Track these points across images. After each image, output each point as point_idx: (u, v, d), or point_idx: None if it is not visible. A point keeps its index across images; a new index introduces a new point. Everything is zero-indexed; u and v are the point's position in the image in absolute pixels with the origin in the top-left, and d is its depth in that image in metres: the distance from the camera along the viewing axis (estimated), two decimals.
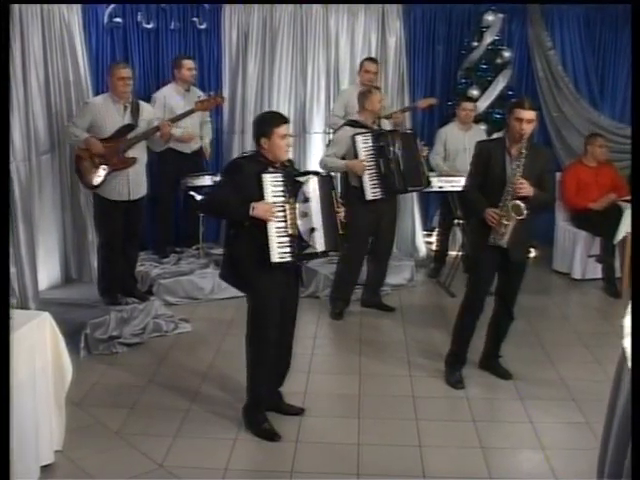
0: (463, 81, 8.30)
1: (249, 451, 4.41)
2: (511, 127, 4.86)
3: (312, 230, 4.40)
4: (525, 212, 4.74)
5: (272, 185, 4.28)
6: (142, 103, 6.19)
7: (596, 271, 7.54)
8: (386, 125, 6.58)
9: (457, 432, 4.62)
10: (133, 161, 5.93)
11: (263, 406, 4.61)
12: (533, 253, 8.48)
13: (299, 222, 4.36)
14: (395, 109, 7.64)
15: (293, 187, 4.37)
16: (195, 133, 7.17)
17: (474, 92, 8.10)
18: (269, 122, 4.34)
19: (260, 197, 4.24)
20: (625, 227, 7.00)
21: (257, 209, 4.20)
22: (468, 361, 5.41)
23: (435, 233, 8.27)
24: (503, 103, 8.13)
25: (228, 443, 4.43)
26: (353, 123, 6.36)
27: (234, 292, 6.79)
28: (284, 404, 4.81)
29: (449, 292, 7.20)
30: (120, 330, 5.86)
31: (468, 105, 7.45)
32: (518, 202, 4.75)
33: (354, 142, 6.19)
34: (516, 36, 8.73)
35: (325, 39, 7.94)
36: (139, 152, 6.03)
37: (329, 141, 7.28)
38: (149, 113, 6.16)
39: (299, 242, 4.36)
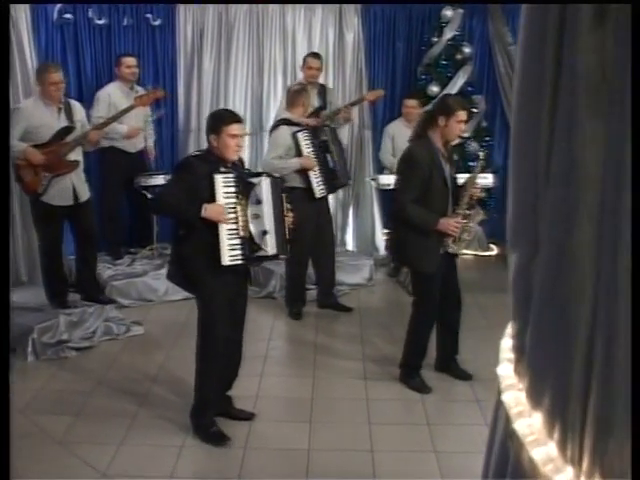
0: (423, 77, 8.21)
1: (196, 457, 4.30)
2: (450, 129, 4.72)
3: (264, 233, 4.30)
4: (482, 212, 4.67)
5: (224, 186, 4.18)
6: (73, 103, 6.03)
7: None
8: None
9: (410, 436, 4.53)
10: (76, 164, 5.78)
11: (211, 409, 4.49)
12: (495, 251, 8.48)
13: (251, 224, 4.26)
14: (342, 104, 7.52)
15: (245, 188, 4.27)
16: (140, 131, 6.99)
17: (434, 88, 8.02)
18: (220, 120, 4.24)
19: (211, 198, 4.14)
20: None
21: (209, 210, 4.09)
22: (424, 364, 5.31)
23: None
24: (463, 100, 8.06)
25: (174, 450, 4.31)
26: (287, 121, 6.21)
27: (188, 294, 6.83)
28: (234, 409, 4.70)
29: (409, 291, 7.09)
30: (69, 334, 5.71)
31: (410, 102, 7.38)
32: (477, 205, 4.71)
33: (296, 140, 6.09)
34: (477, 32, 8.65)
35: (282, 35, 7.83)
36: (79, 154, 5.87)
37: None
38: (81, 113, 6.01)
39: (250, 244, 4.26)
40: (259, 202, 4.30)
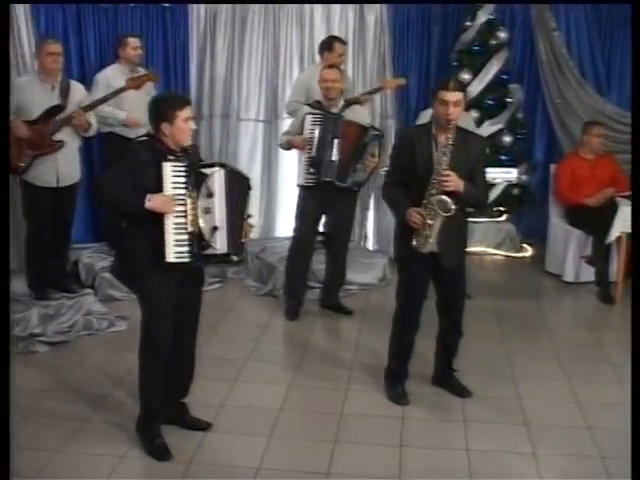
0: (455, 64, 7.66)
1: (132, 471, 3.91)
2: (437, 112, 4.23)
3: (214, 229, 3.85)
4: (452, 208, 4.09)
5: (173, 175, 3.76)
6: (73, 83, 5.73)
7: (590, 274, 6.79)
8: (354, 112, 5.90)
9: (377, 457, 4.04)
10: (60, 145, 5.48)
11: (157, 419, 4.09)
12: (529, 252, 7.88)
13: (200, 219, 3.84)
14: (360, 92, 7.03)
15: (197, 179, 3.84)
16: (142, 118, 6.62)
17: (465, 76, 7.47)
18: (171, 105, 3.82)
19: (157, 188, 3.74)
20: (620, 225, 6.28)
21: (154, 201, 3.69)
22: (421, 375, 4.86)
23: None
24: (497, 88, 7.50)
25: (113, 460, 3.94)
26: (314, 103, 5.84)
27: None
28: (189, 417, 4.30)
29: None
30: (43, 327, 5.40)
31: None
32: (443, 197, 4.10)
33: (303, 120, 5.73)
34: (518, 16, 8.02)
35: (299, 17, 7.38)
36: (68, 136, 5.56)
37: None
38: (80, 94, 5.69)
39: (199, 241, 3.84)
40: (211, 195, 3.86)
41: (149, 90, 6.65)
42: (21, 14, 6.18)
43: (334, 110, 5.72)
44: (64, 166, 5.56)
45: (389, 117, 7.56)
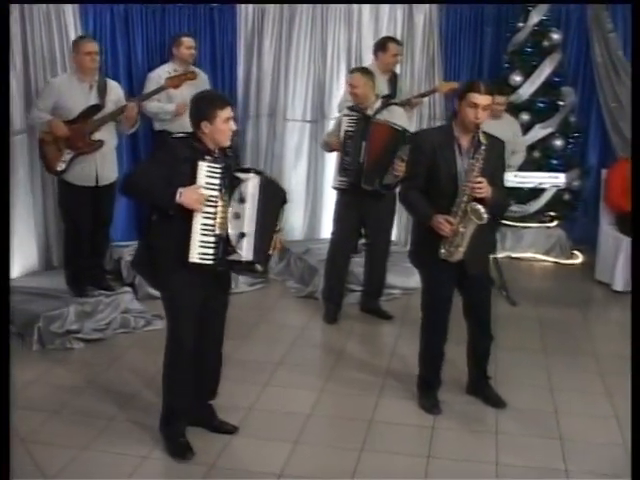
0: (506, 66, 7.49)
1: (153, 472, 3.90)
2: (464, 114, 4.08)
3: (242, 235, 3.79)
4: (486, 217, 3.95)
5: (207, 175, 3.72)
6: (110, 82, 5.72)
7: None
8: (391, 114, 5.80)
9: (402, 467, 3.94)
10: (100, 144, 5.48)
11: (180, 419, 4.07)
12: (579, 259, 7.66)
13: (229, 223, 3.78)
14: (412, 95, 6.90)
15: (230, 183, 3.79)
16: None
17: (516, 78, 7.32)
18: (212, 104, 3.79)
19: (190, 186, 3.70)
20: None
21: (185, 196, 3.64)
22: (456, 383, 4.75)
23: None
24: (549, 91, 7.31)
25: (136, 461, 3.93)
26: (355, 105, 5.74)
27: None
28: (216, 420, 4.26)
29: None
30: (80, 324, 5.46)
31: (497, 98, 6.51)
32: (477, 205, 3.97)
33: (339, 122, 5.71)
34: (574, 16, 7.80)
35: (347, 17, 7.28)
36: (107, 135, 5.57)
37: None
38: (117, 93, 5.67)
39: (224, 245, 3.78)
40: (243, 201, 3.80)
41: (202, 87, 6.66)
42: (69, 14, 6.21)
43: (369, 112, 5.64)
44: (103, 165, 5.57)
45: (437, 119, 7.42)
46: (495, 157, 4.15)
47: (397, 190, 5.70)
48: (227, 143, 3.84)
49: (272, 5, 7.15)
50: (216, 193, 3.74)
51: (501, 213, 4.66)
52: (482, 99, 4.02)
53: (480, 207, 3.96)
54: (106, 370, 5.03)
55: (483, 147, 3.98)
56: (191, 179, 3.70)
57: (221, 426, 4.24)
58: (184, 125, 6.35)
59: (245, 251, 3.80)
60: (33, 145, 5.91)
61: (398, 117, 5.74)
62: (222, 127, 3.76)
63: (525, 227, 7.54)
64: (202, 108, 3.80)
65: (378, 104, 5.69)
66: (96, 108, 5.50)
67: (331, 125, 6.78)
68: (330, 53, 7.34)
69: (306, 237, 7.59)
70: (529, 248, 7.63)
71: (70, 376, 4.94)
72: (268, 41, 7.22)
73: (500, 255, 7.43)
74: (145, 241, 3.98)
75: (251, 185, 3.82)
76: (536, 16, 7.31)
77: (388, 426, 4.36)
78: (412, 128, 7.10)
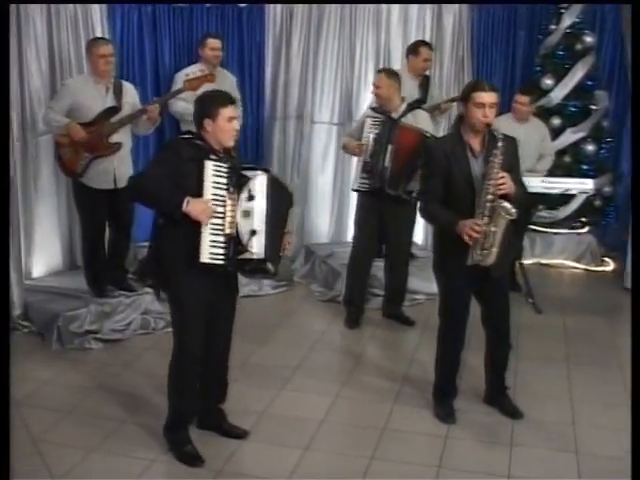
0: (538, 69, 7.36)
1: (162, 475, 3.88)
2: (471, 116, 4.00)
3: (252, 233, 3.75)
4: (514, 211, 3.87)
5: (214, 175, 3.69)
6: (125, 84, 5.70)
7: None
8: (416, 118, 5.72)
9: (412, 477, 3.87)
10: (118, 147, 5.48)
11: (185, 425, 4.05)
12: (610, 266, 7.50)
13: (239, 222, 3.75)
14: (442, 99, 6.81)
15: (238, 181, 3.76)
16: None
17: (548, 81, 7.20)
18: (215, 102, 3.77)
19: (198, 187, 3.66)
20: None
21: (192, 206, 3.59)
22: (473, 392, 4.67)
23: None
24: (581, 94, 7.17)
25: (144, 464, 3.92)
26: (378, 107, 5.70)
27: (249, 291, 6.46)
28: (226, 424, 4.24)
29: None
30: (100, 324, 5.47)
31: (521, 98, 6.43)
32: (504, 202, 3.89)
33: (363, 123, 5.64)
34: (608, 19, 7.64)
35: (375, 18, 7.22)
36: (124, 137, 5.57)
37: None
38: (133, 95, 5.65)
39: (235, 245, 3.74)
40: (252, 198, 3.77)
41: (230, 89, 6.61)
42: (96, 14, 6.23)
43: (394, 115, 5.57)
44: (120, 167, 5.55)
45: None
46: (510, 155, 4.07)
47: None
48: (231, 143, 3.81)
49: (300, 7, 7.11)
50: (224, 192, 3.71)
51: (526, 210, 4.53)
52: (488, 97, 3.96)
53: (507, 203, 3.88)
54: (122, 372, 5.04)
55: (500, 143, 3.90)
56: (198, 179, 3.66)
57: (231, 430, 4.22)
58: None
59: (256, 249, 3.76)
60: None
61: (423, 122, 5.68)
62: (225, 126, 3.73)
63: (555, 233, 7.41)
64: (205, 106, 3.78)
65: (403, 107, 5.62)
66: (113, 110, 5.48)
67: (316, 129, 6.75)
68: (358, 55, 7.29)
69: (332, 240, 7.55)
70: (559, 255, 7.50)
71: (85, 377, 4.96)
72: (296, 43, 7.18)
73: (529, 261, 7.36)
74: (153, 245, 3.94)
75: (259, 182, 3.80)
76: (569, 18, 7.19)
77: (401, 434, 4.30)
78: (440, 134, 7.07)
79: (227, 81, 6.59)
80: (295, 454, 4.04)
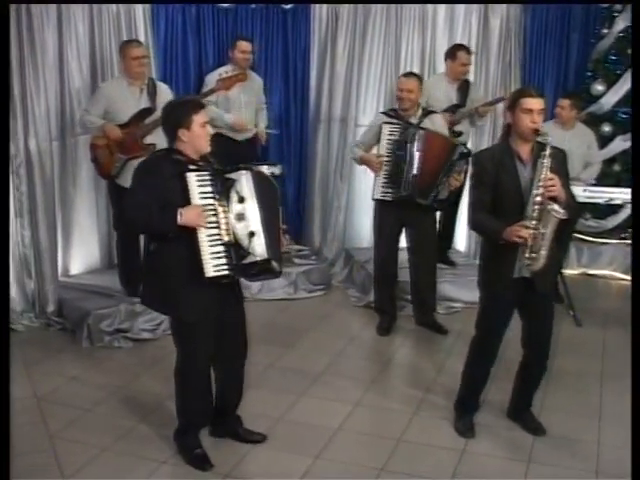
0: (589, 74, 7.15)
1: (168, 477, 3.89)
2: (519, 123, 3.88)
3: (251, 234, 3.68)
4: (563, 211, 3.75)
5: (198, 185, 3.62)
6: (160, 84, 5.75)
7: None
8: (433, 123, 5.64)
9: None
10: (152, 148, 5.46)
11: (194, 431, 4.04)
12: None
13: (235, 226, 3.67)
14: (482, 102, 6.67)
15: (223, 186, 3.68)
16: (249, 122, 6.57)
17: (598, 87, 6.99)
18: (187, 110, 3.68)
19: (185, 201, 3.59)
20: None
21: (186, 215, 3.54)
22: (499, 404, 4.54)
23: None
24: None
25: (152, 465, 3.95)
26: (390, 111, 5.63)
27: (285, 294, 6.44)
28: (242, 430, 4.21)
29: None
30: (130, 324, 5.53)
31: (562, 102, 6.25)
32: (553, 204, 3.77)
33: (380, 130, 5.49)
34: None
35: (421, 20, 7.11)
36: (158, 138, 5.59)
37: None
38: (167, 95, 5.64)
39: (237, 250, 3.67)
40: (242, 200, 3.68)
41: (257, 91, 6.66)
42: (139, 15, 6.30)
43: (413, 120, 5.48)
44: None
45: None
46: (558, 166, 3.93)
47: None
48: (207, 149, 3.74)
49: (346, 8, 7.03)
50: (212, 201, 3.64)
51: (574, 217, 4.34)
52: (535, 103, 3.86)
53: (555, 205, 3.77)
54: (146, 371, 5.07)
55: (548, 147, 3.79)
56: (183, 193, 3.60)
57: (247, 435, 4.20)
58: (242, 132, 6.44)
59: (259, 250, 3.69)
60: None
61: (440, 127, 5.60)
62: (200, 132, 3.66)
63: (603, 243, 7.18)
64: (176, 116, 3.70)
65: (420, 112, 5.53)
66: (147, 111, 5.52)
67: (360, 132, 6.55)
68: (403, 58, 7.18)
69: (371, 245, 7.46)
70: (607, 265, 7.26)
71: (110, 375, 5.01)
72: (341, 45, 7.11)
73: (575, 271, 7.17)
74: (149, 270, 3.83)
75: (245, 182, 3.72)
76: (622, 22, 6.95)
77: (416, 446, 4.21)
78: (485, 139, 6.95)
79: (255, 84, 6.60)
80: (304, 462, 3.99)
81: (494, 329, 4.22)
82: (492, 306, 4.19)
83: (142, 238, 5.62)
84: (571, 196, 4.03)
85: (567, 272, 6.97)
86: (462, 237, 7.32)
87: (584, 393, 4.91)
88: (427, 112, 5.61)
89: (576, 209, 4.16)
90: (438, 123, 5.61)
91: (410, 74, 5.66)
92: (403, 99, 5.49)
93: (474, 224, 4.17)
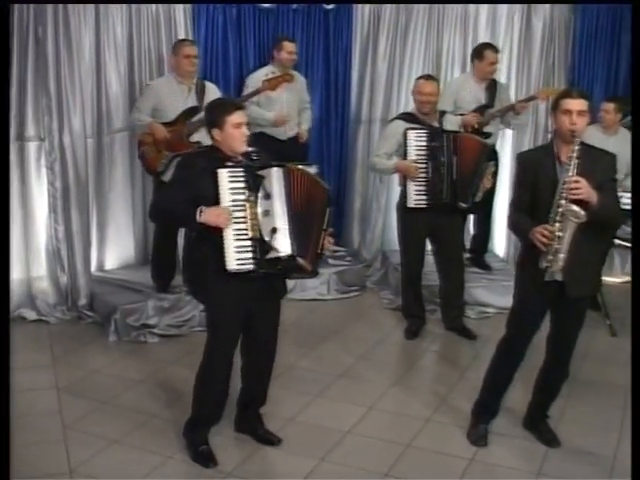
0: None
1: (173, 472, 3.93)
2: (559, 125, 3.84)
3: (273, 231, 3.71)
4: (583, 214, 3.66)
5: (230, 181, 3.69)
6: (208, 84, 5.83)
7: None
8: (450, 123, 5.60)
9: None
10: (198, 146, 5.60)
11: (204, 427, 4.08)
12: None
13: (261, 223, 3.72)
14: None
15: (254, 183, 3.74)
16: (291, 118, 6.56)
17: None
18: (221, 110, 3.78)
19: (216, 197, 3.67)
20: None
21: (207, 214, 3.62)
22: (518, 413, 4.44)
23: None
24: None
25: (158, 459, 3.99)
26: (406, 117, 5.53)
27: (316, 294, 6.45)
28: (262, 430, 4.24)
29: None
30: (158, 319, 5.60)
31: (606, 105, 6.09)
32: (573, 206, 3.68)
33: (406, 138, 5.37)
34: None
35: (463, 20, 7.01)
36: (204, 136, 5.67)
37: None
38: (215, 95, 5.68)
39: (261, 246, 3.71)
40: (268, 196, 3.73)
41: (300, 91, 6.66)
42: (180, 15, 6.35)
43: (435, 124, 5.43)
44: None
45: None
46: (600, 170, 3.85)
47: None
48: (242, 148, 3.78)
49: (388, 9, 6.98)
50: (242, 197, 3.70)
51: (612, 223, 4.17)
52: (575, 104, 3.78)
53: (575, 207, 3.68)
54: (167, 367, 5.15)
55: (575, 153, 3.71)
56: (215, 189, 3.67)
57: (264, 436, 4.21)
58: (283, 129, 6.45)
59: (282, 246, 3.71)
60: (133, 142, 6.09)
61: (456, 128, 5.59)
62: (233, 132, 3.72)
63: None
64: (211, 116, 3.81)
65: (437, 115, 5.46)
66: (194, 110, 5.60)
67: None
68: (444, 59, 7.10)
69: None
70: None
71: (132, 369, 5.10)
72: (383, 45, 7.05)
73: (619, 279, 6.99)
74: (188, 257, 3.98)
75: (274, 179, 3.75)
76: None
77: (423, 453, 4.15)
78: (527, 138, 6.82)
79: (298, 83, 6.59)
80: (309, 464, 3.98)
81: (523, 329, 4.14)
82: (523, 307, 4.13)
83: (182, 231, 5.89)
84: (613, 202, 3.91)
85: (609, 280, 6.82)
86: (501, 241, 7.19)
87: (607, 405, 4.76)
88: (442, 113, 5.54)
89: (615, 215, 4.03)
90: (454, 125, 5.53)
91: (429, 77, 5.60)
92: (424, 102, 5.42)
93: (510, 223, 4.18)
